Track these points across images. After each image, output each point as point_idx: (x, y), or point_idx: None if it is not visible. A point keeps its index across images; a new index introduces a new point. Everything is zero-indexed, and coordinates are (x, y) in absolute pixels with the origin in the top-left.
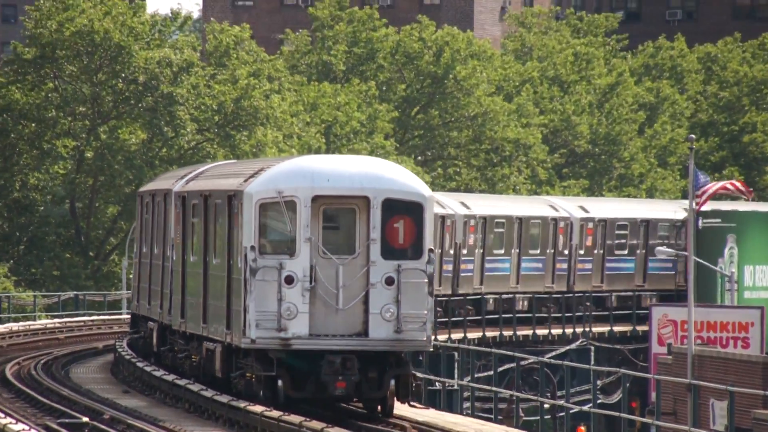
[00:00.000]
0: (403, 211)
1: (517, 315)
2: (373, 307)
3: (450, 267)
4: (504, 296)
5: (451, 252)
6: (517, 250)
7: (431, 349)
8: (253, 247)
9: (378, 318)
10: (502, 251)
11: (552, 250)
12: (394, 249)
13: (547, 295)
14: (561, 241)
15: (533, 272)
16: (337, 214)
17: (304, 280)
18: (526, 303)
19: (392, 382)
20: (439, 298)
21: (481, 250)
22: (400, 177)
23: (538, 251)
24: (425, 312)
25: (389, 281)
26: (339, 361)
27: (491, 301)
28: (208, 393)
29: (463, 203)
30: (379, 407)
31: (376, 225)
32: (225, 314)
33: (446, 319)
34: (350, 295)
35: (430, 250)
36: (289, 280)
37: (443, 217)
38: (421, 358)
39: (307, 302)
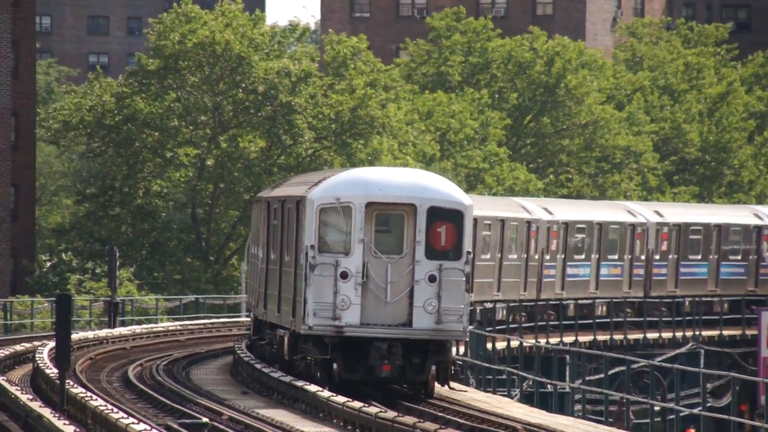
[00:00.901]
0: (446, 217)
1: (598, 320)
2: (417, 300)
3: (535, 272)
4: (583, 301)
5: (536, 257)
6: (597, 256)
7: (467, 339)
8: (312, 246)
9: (421, 310)
10: (583, 256)
11: (629, 256)
12: (437, 250)
13: (623, 300)
14: (638, 246)
15: (612, 278)
16: (388, 218)
17: (357, 275)
18: (604, 308)
19: (433, 367)
20: (523, 303)
21: (563, 256)
22: (443, 187)
23: (616, 256)
24: (462, 306)
25: (432, 279)
26: (385, 348)
27: (571, 306)
28: (324, 394)
29: (546, 209)
30: (422, 391)
31: (422, 229)
32: (292, 305)
33: (532, 324)
34: (397, 290)
35: (468, 252)
36: (344, 276)
37: (529, 223)
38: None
39: (359, 295)
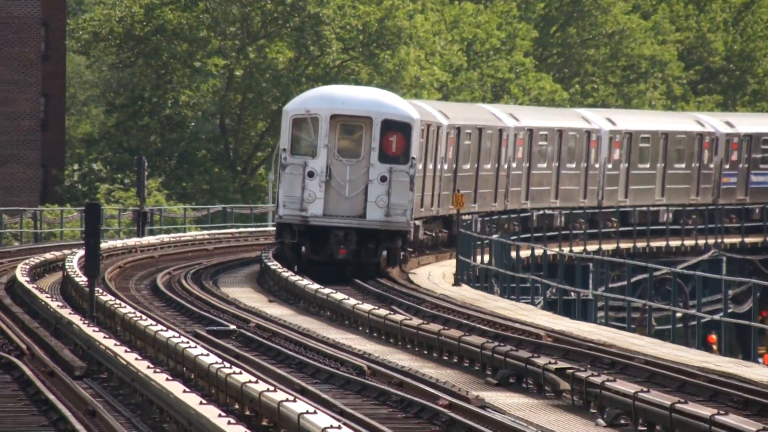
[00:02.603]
0: (396, 128)
1: (662, 227)
2: (371, 197)
3: (596, 181)
4: (650, 209)
5: (596, 166)
6: (663, 164)
7: (411, 230)
8: (285, 149)
9: (373, 205)
10: (648, 165)
11: (697, 164)
12: (388, 156)
13: (692, 208)
14: (706, 155)
15: (678, 185)
16: (348, 128)
17: (321, 174)
18: (670, 215)
19: (384, 252)
20: (585, 211)
21: (626, 165)
22: (396, 103)
23: (683, 165)
24: (407, 202)
25: (383, 179)
26: (342, 235)
27: (636, 213)
28: (350, 302)
29: (609, 119)
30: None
31: (376, 137)
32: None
33: (595, 231)
34: (354, 188)
35: (413, 158)
36: (311, 174)
37: (588, 132)
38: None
39: (323, 191)
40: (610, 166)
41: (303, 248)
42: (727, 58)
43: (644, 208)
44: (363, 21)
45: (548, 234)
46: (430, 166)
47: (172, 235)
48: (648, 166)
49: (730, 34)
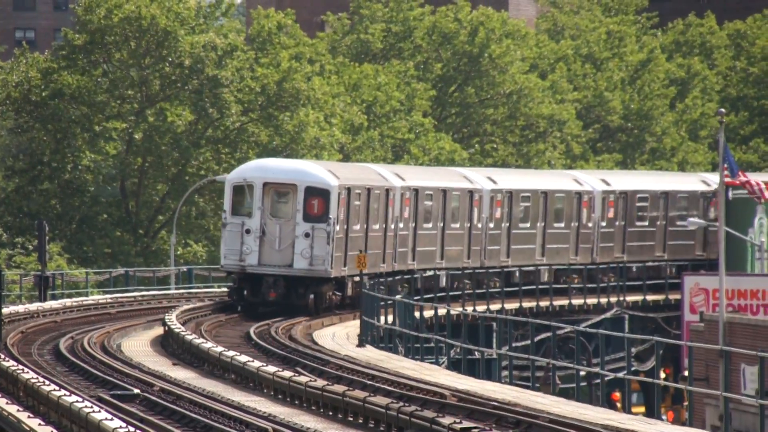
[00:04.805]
0: (317, 194)
1: (543, 287)
2: (297, 249)
3: (479, 241)
4: (529, 268)
5: (479, 226)
6: (543, 223)
7: (332, 277)
8: (225, 210)
9: (299, 256)
10: (528, 224)
11: (576, 223)
12: (311, 216)
13: (570, 267)
14: (585, 214)
15: (558, 245)
16: (278, 193)
17: (256, 231)
18: (551, 275)
19: (312, 296)
20: (467, 271)
21: (508, 224)
22: (318, 173)
23: (562, 224)
24: (326, 254)
25: (307, 235)
26: (272, 281)
27: (517, 273)
28: (254, 364)
29: (490, 178)
30: (305, 310)
31: (300, 201)
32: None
33: (476, 291)
34: (284, 242)
35: (330, 218)
36: (248, 231)
37: (471, 192)
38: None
39: (257, 245)
40: (492, 225)
41: (245, 291)
42: (625, 117)
43: (525, 268)
44: (261, 83)
45: (438, 295)
46: None
47: (75, 299)
48: (528, 225)
49: (627, 93)
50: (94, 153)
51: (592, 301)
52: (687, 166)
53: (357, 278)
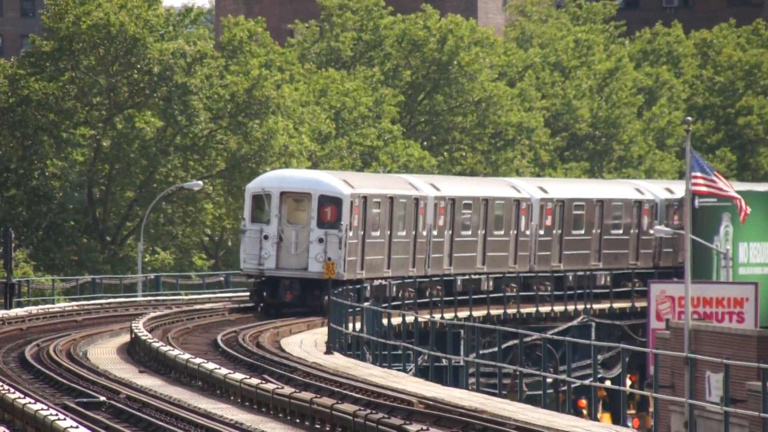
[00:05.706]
0: (330, 202)
1: (482, 296)
2: (311, 254)
3: (423, 249)
4: (471, 277)
5: (424, 234)
6: (483, 231)
7: (345, 279)
8: (244, 218)
9: (313, 260)
10: (470, 232)
11: (515, 231)
12: (324, 222)
13: (510, 275)
14: (523, 221)
15: (498, 253)
16: (294, 201)
17: (273, 237)
18: (491, 284)
19: (326, 298)
20: (411, 279)
21: (450, 232)
22: (331, 182)
23: (502, 232)
24: (339, 258)
25: (320, 240)
26: (288, 283)
27: (459, 282)
28: (222, 372)
29: (433, 185)
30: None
31: (315, 209)
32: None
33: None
34: (299, 247)
35: (342, 224)
36: (266, 237)
37: (417, 199)
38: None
39: (275, 250)
40: (435, 233)
41: (264, 293)
42: (593, 125)
43: (467, 276)
44: (231, 91)
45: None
46: None
47: (41, 306)
48: (470, 233)
49: (595, 101)
50: (61, 160)
51: (559, 308)
52: (654, 174)
53: (376, 281)
